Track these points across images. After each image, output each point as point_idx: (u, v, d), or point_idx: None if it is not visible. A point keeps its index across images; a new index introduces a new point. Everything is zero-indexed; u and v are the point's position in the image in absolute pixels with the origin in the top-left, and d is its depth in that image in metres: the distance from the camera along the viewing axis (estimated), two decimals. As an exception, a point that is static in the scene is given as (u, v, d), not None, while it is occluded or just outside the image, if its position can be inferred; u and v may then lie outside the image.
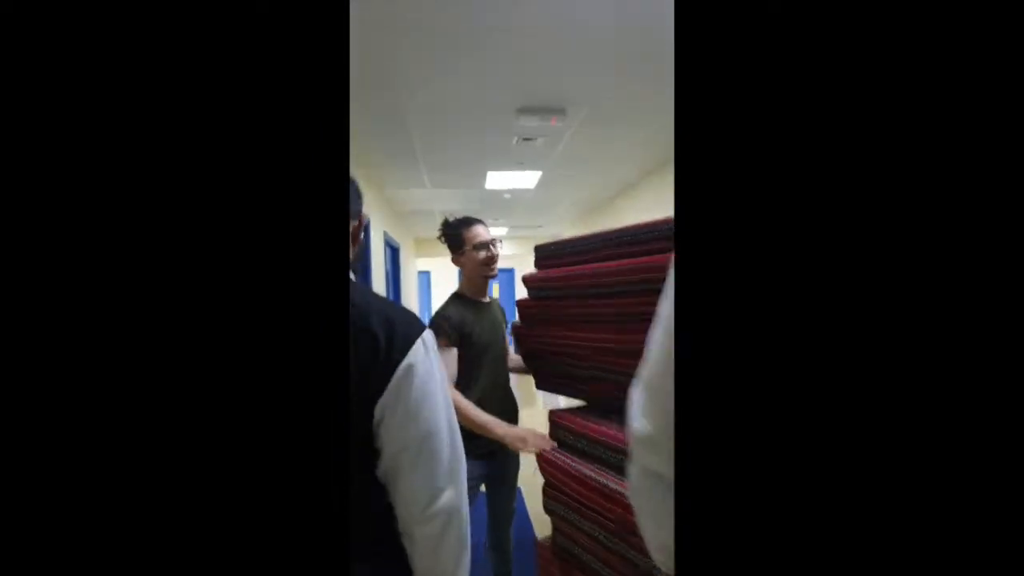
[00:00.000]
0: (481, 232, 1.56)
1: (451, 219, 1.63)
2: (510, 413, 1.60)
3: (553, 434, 1.38)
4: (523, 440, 1.36)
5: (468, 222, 1.58)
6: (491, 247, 1.56)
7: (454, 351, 1.46)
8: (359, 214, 0.81)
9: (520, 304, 1.54)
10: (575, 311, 1.32)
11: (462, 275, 1.60)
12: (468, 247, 1.55)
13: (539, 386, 1.60)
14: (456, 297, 1.58)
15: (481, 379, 1.53)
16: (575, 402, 1.48)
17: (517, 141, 3.43)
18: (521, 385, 1.98)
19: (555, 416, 1.38)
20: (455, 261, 1.59)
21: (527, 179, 4.58)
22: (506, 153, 3.77)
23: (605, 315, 1.22)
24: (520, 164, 4.07)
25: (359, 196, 0.82)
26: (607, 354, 1.23)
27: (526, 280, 1.51)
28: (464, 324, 1.48)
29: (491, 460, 1.54)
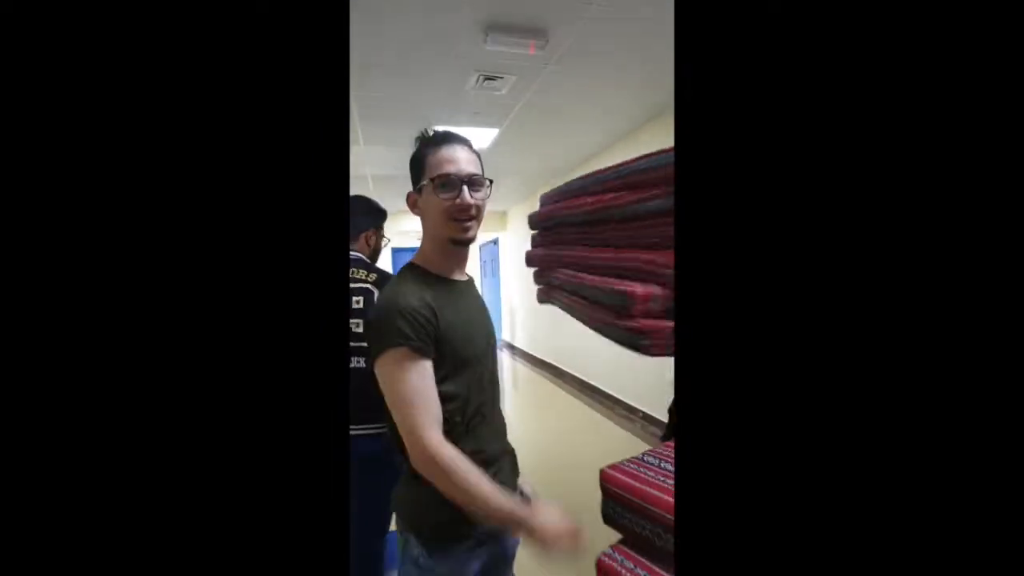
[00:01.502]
0: (452, 157, 0.84)
1: (430, 132, 0.91)
2: (511, 472, 0.94)
3: (607, 512, 0.92)
4: (545, 538, 0.75)
5: (446, 138, 0.87)
6: (467, 188, 0.84)
7: (426, 365, 0.78)
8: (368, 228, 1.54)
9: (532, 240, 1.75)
10: (575, 237, 1.47)
11: (424, 232, 0.90)
12: (427, 180, 0.85)
13: (541, 300, 1.72)
14: (411, 272, 0.88)
15: (471, 411, 0.85)
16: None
17: (478, 80, 2.70)
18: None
19: (606, 478, 0.93)
20: (413, 206, 0.90)
21: (479, 137, 3.83)
22: (459, 99, 3.04)
23: (603, 240, 1.34)
24: (476, 115, 3.35)
25: (370, 213, 1.56)
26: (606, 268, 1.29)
27: (531, 218, 1.73)
28: (435, 316, 0.80)
29: (489, 546, 0.88)
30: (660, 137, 3.51)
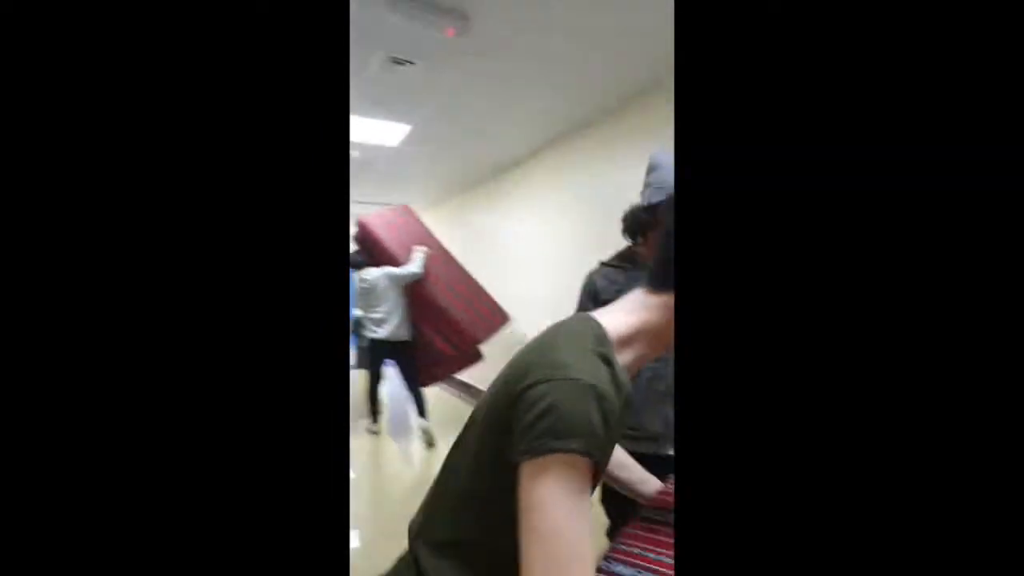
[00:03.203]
0: None
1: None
2: None
3: None
4: None
5: None
6: None
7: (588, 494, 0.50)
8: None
9: None
10: None
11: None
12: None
13: None
14: (596, 345, 0.55)
15: None
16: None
17: (385, 61, 2.26)
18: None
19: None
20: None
21: (389, 133, 3.34)
22: (366, 87, 2.51)
23: None
24: (381, 107, 2.80)
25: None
26: None
27: None
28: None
29: None
30: (593, 146, 3.21)
